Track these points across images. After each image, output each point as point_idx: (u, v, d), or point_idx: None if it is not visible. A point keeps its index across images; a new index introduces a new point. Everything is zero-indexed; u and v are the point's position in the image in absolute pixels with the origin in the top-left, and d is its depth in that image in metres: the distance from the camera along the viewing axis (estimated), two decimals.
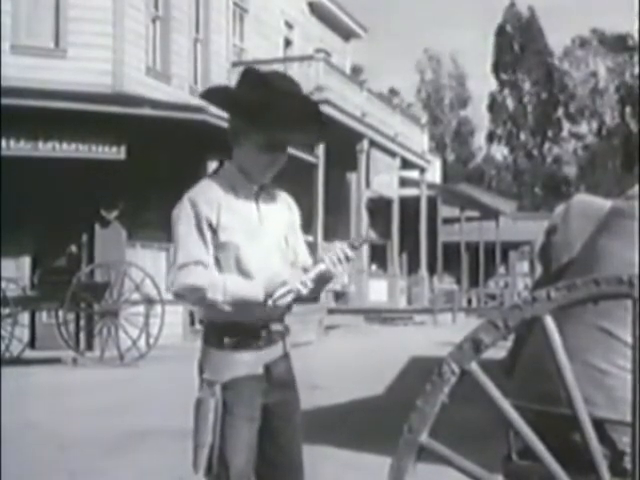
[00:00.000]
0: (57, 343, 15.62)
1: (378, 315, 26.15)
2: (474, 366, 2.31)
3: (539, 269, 3.32)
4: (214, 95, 3.63)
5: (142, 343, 15.50)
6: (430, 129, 47.86)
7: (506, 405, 2.26)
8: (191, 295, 3.37)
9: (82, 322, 15.83)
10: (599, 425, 2.46)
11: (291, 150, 14.36)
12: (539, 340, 2.38)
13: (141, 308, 14.70)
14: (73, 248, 17.57)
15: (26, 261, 18.08)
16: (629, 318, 2.40)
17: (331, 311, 22.71)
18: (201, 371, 3.35)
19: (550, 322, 2.26)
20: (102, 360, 14.20)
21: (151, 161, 17.49)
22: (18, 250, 17.76)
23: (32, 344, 16.75)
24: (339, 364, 14.13)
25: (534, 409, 2.67)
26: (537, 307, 2.29)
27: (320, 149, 23.87)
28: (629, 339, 2.60)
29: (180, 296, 3.42)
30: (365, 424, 8.63)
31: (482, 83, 67.42)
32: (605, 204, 3.09)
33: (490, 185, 64.85)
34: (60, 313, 14.79)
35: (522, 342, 3.26)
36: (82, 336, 16.14)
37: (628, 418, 2.40)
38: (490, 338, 2.36)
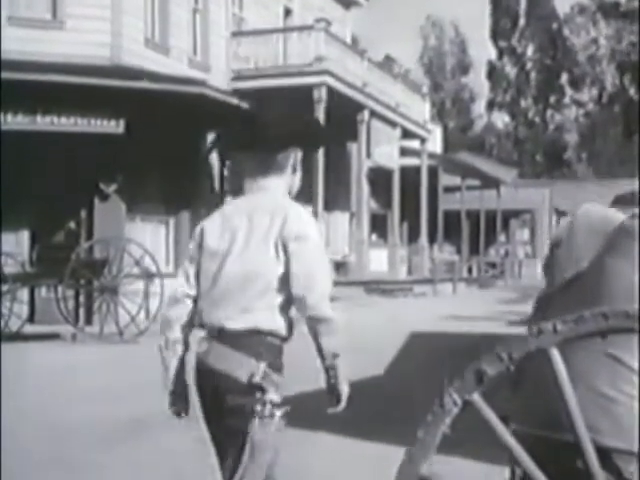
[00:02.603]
0: (56, 317, 15.58)
1: (378, 287, 26.11)
2: (476, 397, 2.25)
3: (544, 282, 3.26)
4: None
5: (142, 317, 15.45)
6: (431, 96, 47.58)
7: (508, 438, 2.21)
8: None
9: (81, 298, 15.76)
10: (605, 453, 2.41)
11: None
12: (543, 366, 2.32)
13: (140, 285, 14.64)
14: (72, 224, 17.50)
15: (25, 235, 18.01)
16: (636, 344, 2.35)
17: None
18: (263, 390, 3.29)
19: (556, 356, 2.20)
20: (101, 337, 14.16)
21: (150, 135, 17.36)
22: (17, 224, 17.69)
23: (31, 318, 16.71)
24: None
25: (536, 434, 2.63)
26: (543, 339, 2.23)
27: (320, 120, 23.71)
28: (636, 365, 2.54)
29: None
30: (363, 411, 8.56)
31: (483, 50, 66.96)
32: (612, 218, 3.02)
33: (491, 153, 64.68)
34: (59, 289, 14.73)
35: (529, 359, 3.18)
36: (81, 312, 16.09)
37: (635, 447, 2.35)
38: (494, 370, 2.30)
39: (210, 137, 22.45)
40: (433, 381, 10.59)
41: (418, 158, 32.83)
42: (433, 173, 35.13)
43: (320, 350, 3.34)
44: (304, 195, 23.57)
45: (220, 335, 3.32)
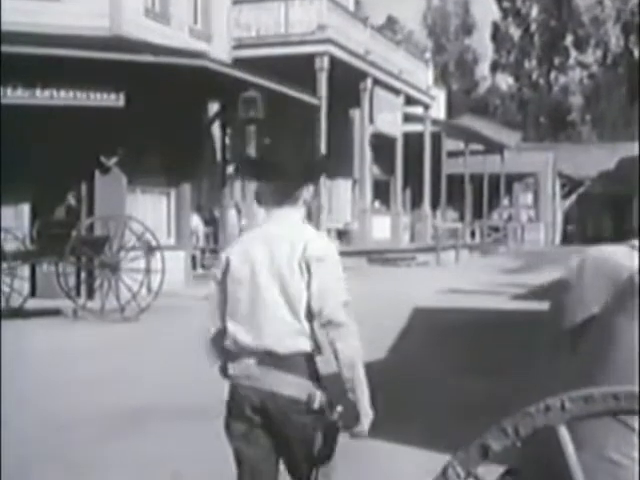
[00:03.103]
0: (58, 292, 15.51)
1: (380, 256, 26.04)
2: (480, 471, 2.18)
3: (551, 325, 3.17)
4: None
5: (144, 292, 15.41)
6: (434, 58, 47.29)
7: None
8: None
9: (82, 275, 15.70)
10: None
11: (294, 93, 14.14)
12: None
13: (142, 263, 14.55)
14: (72, 201, 17.39)
15: (25, 209, 17.89)
16: None
17: None
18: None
19: (565, 434, 2.12)
20: (102, 314, 14.11)
21: (151, 107, 17.20)
22: (17, 198, 17.57)
23: (33, 293, 16.66)
24: None
25: None
26: (550, 417, 2.15)
27: (323, 89, 23.55)
28: (637, 426, 2.46)
29: None
30: None
31: (487, 11, 66.41)
32: (623, 264, 2.91)
33: (495, 115, 64.39)
34: (60, 267, 14.67)
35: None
36: (83, 288, 16.05)
37: None
38: (499, 445, 2.22)
39: (212, 107, 22.31)
40: (438, 366, 10.56)
41: (421, 124, 32.64)
42: (436, 139, 34.98)
43: (337, 359, 3.42)
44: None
45: (267, 358, 3.46)
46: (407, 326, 13.77)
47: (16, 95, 16.35)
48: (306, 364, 3.48)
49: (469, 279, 22.67)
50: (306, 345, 3.48)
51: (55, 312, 15.09)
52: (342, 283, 3.56)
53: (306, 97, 21.69)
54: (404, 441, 6.85)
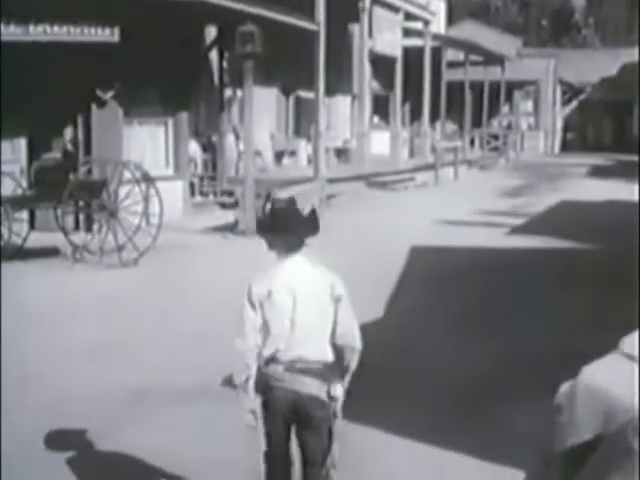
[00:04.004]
0: (57, 225, 15.48)
1: (379, 179, 25.97)
2: None
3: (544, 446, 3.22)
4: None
5: (143, 224, 15.36)
6: None
7: None
8: None
9: (81, 217, 15.70)
10: None
11: (290, 19, 13.99)
12: None
13: (139, 207, 14.48)
14: (69, 145, 17.30)
15: (22, 143, 17.83)
16: None
17: (331, 180, 22.56)
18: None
19: None
20: (101, 260, 14.18)
21: (147, 40, 16.97)
22: (14, 132, 17.47)
23: (32, 225, 16.71)
24: (337, 265, 13.90)
25: None
26: None
27: (321, 13, 23.14)
28: None
29: None
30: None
31: None
32: (616, 400, 2.94)
33: (496, 18, 63.47)
34: (58, 210, 14.66)
35: None
36: (81, 228, 16.09)
37: None
38: None
39: (209, 32, 22.03)
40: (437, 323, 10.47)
41: (421, 39, 32.18)
42: (437, 52, 34.56)
43: (347, 367, 4.74)
44: (305, 80, 23.19)
45: (298, 366, 4.58)
46: (405, 273, 13.77)
47: (9, 32, 16.11)
48: (327, 372, 4.64)
49: (466, 204, 22.65)
50: (329, 358, 4.66)
51: (54, 252, 15.14)
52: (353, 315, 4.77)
53: (304, 24, 21.35)
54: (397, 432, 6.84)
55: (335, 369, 4.69)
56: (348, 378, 4.78)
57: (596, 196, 24.92)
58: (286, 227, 4.64)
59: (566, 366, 3.81)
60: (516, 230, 18.58)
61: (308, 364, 4.58)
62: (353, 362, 4.72)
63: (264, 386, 4.63)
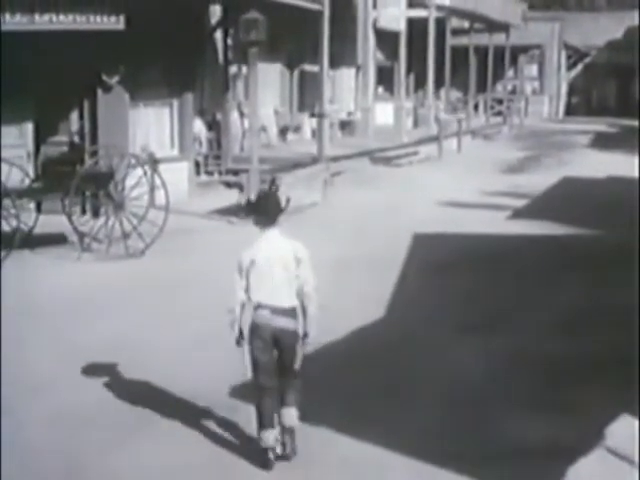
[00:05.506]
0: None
1: (383, 154, 26.13)
2: None
3: None
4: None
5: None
6: None
7: None
8: None
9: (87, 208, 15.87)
10: None
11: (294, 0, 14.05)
12: None
13: (144, 201, 14.67)
14: (75, 137, 17.47)
15: (29, 127, 18.01)
16: None
17: (335, 159, 22.72)
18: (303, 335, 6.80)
19: None
20: (108, 251, 14.38)
21: (151, 26, 17.11)
22: (20, 116, 17.64)
23: (39, 209, 16.85)
24: (338, 257, 14.03)
25: None
26: None
27: None
28: None
29: None
30: (350, 391, 8.65)
31: None
32: None
33: None
34: (66, 202, 14.82)
35: None
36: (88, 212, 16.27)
37: None
38: None
39: (214, 11, 22.10)
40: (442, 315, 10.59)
41: (426, 10, 32.10)
42: (441, 23, 34.54)
43: (307, 312, 6.68)
44: (309, 53, 23.18)
45: (276, 309, 6.54)
46: (407, 264, 13.89)
47: (15, 21, 16.17)
48: (295, 312, 6.63)
49: (468, 183, 22.74)
50: (295, 303, 6.63)
51: (62, 239, 15.31)
52: (312, 272, 6.68)
53: (308, 4, 21.40)
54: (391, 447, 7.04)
55: (301, 311, 6.65)
56: (313, 321, 6.69)
57: (599, 171, 25.06)
58: (263, 210, 6.62)
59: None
60: (517, 214, 18.72)
61: (283, 308, 6.54)
62: (311, 306, 6.64)
63: (255, 324, 6.60)
